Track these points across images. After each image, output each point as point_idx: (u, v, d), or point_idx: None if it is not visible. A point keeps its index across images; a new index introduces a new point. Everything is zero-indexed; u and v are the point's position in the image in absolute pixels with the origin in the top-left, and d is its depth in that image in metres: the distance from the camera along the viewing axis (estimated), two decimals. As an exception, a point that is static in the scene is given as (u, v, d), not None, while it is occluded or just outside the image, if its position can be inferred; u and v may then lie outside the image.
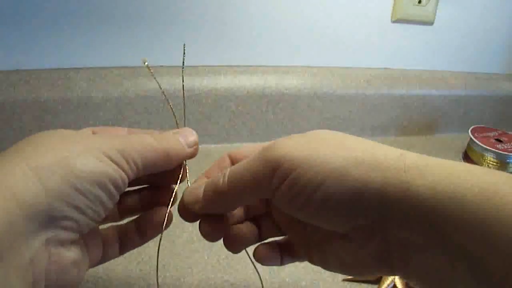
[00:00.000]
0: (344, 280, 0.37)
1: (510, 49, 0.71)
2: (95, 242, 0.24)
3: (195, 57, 0.58)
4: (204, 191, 0.24)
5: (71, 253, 0.20)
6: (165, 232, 0.41)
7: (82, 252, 0.22)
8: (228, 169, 0.23)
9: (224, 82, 0.58)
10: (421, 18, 0.62)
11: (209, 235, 0.25)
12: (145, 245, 0.39)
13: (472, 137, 0.59)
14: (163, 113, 0.57)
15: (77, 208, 0.19)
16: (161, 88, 0.28)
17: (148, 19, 0.54)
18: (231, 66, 0.60)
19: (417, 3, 0.61)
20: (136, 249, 0.38)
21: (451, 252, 0.17)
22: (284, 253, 0.27)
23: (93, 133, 0.24)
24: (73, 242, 0.20)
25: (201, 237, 0.42)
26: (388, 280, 0.35)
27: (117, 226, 0.27)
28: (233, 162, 0.26)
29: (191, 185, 0.25)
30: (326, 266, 0.24)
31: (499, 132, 0.61)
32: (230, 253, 0.39)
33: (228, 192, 0.22)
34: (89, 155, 0.19)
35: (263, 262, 0.26)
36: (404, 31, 0.64)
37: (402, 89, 0.65)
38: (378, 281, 0.36)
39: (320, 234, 0.23)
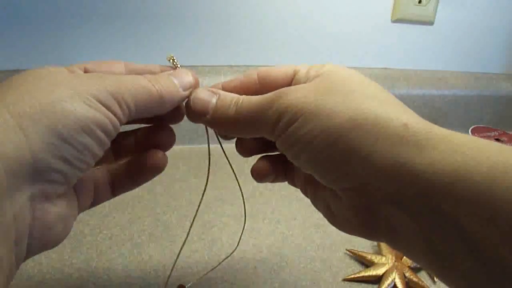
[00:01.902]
0: (344, 280, 0.37)
1: (510, 49, 0.71)
2: (86, 187, 0.23)
3: (195, 57, 0.58)
4: (214, 110, 0.23)
5: (57, 208, 0.19)
6: (165, 232, 0.41)
7: (70, 204, 0.20)
8: (241, 101, 0.22)
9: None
10: (421, 18, 0.62)
11: (223, 137, 0.27)
12: (145, 244, 0.39)
13: (472, 137, 0.59)
14: (163, 113, 0.57)
15: (64, 159, 0.17)
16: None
17: (149, 19, 0.54)
18: (231, 66, 0.60)
19: (417, 3, 0.61)
20: (136, 249, 0.39)
21: (449, 235, 0.16)
22: (279, 171, 0.27)
23: (85, 70, 0.22)
24: (59, 195, 0.19)
25: (201, 237, 0.42)
26: (388, 280, 0.35)
27: (109, 167, 0.25)
28: (261, 83, 0.25)
29: (201, 89, 0.24)
30: (315, 205, 0.25)
31: (499, 132, 0.61)
32: (230, 253, 0.39)
33: (235, 124, 0.23)
34: (76, 99, 0.17)
35: (258, 180, 0.26)
36: (404, 31, 0.64)
37: (402, 89, 0.65)
38: (378, 281, 0.36)
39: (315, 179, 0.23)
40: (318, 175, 0.21)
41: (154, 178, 0.52)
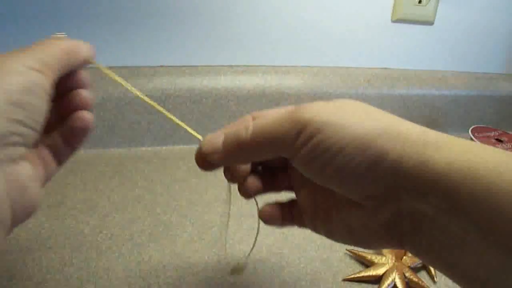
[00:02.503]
0: (344, 280, 0.37)
1: (510, 49, 0.71)
2: (36, 160, 0.25)
3: (195, 57, 0.58)
4: (224, 142, 0.24)
5: (25, 169, 0.21)
6: (165, 232, 0.41)
7: (33, 167, 0.22)
8: (252, 123, 0.23)
9: (224, 82, 0.58)
10: (421, 18, 0.62)
11: (231, 180, 0.27)
12: (145, 245, 0.39)
13: (472, 137, 0.59)
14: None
15: (18, 121, 0.20)
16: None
17: (149, 19, 0.54)
18: (231, 66, 0.60)
19: (417, 3, 0.61)
20: (136, 249, 0.39)
21: (463, 222, 0.18)
22: (286, 216, 0.28)
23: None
24: (22, 157, 0.21)
25: (201, 237, 0.42)
26: (389, 280, 0.35)
27: (45, 142, 0.27)
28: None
29: (209, 135, 0.25)
30: (331, 234, 0.25)
31: (499, 132, 0.61)
32: (230, 253, 0.39)
33: (250, 146, 0.23)
34: (11, 68, 0.20)
35: (266, 222, 0.28)
36: (404, 31, 0.64)
37: (402, 89, 0.65)
38: (378, 281, 0.36)
39: (330, 200, 0.24)
40: (344, 185, 0.22)
41: (154, 178, 0.52)
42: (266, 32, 0.58)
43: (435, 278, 0.37)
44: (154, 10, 0.53)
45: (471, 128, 0.61)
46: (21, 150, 0.21)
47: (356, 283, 0.36)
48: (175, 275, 0.37)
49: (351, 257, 0.39)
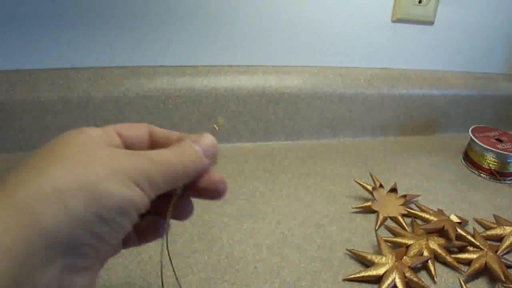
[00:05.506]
0: (344, 280, 0.37)
1: (510, 49, 0.71)
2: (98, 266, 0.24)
3: (195, 57, 0.58)
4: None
5: (83, 279, 0.19)
6: (165, 232, 0.41)
7: (94, 274, 0.21)
8: None
9: (224, 82, 0.58)
10: (421, 18, 0.62)
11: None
12: (145, 245, 0.39)
13: (473, 137, 0.59)
14: (163, 113, 0.57)
15: (99, 236, 0.19)
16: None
17: (148, 19, 0.54)
18: (231, 66, 0.60)
19: (417, 3, 0.61)
20: (136, 249, 0.39)
21: None
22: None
23: (117, 133, 0.23)
24: (86, 268, 0.20)
25: (201, 237, 0.42)
26: (389, 280, 0.35)
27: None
28: None
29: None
30: None
31: (499, 132, 0.61)
32: (230, 253, 0.39)
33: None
34: (115, 180, 0.19)
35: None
36: (404, 31, 0.64)
37: (402, 89, 0.65)
38: (378, 281, 0.36)
39: None
40: None
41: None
42: (266, 32, 0.58)
43: (435, 278, 0.37)
44: (154, 10, 0.53)
45: (471, 128, 0.61)
46: (89, 262, 0.19)
47: (356, 283, 0.36)
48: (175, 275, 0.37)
49: (351, 257, 0.39)
